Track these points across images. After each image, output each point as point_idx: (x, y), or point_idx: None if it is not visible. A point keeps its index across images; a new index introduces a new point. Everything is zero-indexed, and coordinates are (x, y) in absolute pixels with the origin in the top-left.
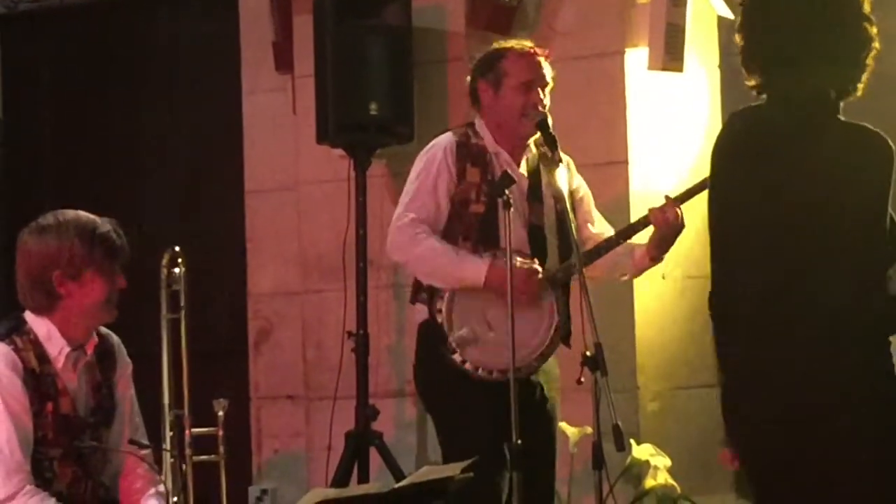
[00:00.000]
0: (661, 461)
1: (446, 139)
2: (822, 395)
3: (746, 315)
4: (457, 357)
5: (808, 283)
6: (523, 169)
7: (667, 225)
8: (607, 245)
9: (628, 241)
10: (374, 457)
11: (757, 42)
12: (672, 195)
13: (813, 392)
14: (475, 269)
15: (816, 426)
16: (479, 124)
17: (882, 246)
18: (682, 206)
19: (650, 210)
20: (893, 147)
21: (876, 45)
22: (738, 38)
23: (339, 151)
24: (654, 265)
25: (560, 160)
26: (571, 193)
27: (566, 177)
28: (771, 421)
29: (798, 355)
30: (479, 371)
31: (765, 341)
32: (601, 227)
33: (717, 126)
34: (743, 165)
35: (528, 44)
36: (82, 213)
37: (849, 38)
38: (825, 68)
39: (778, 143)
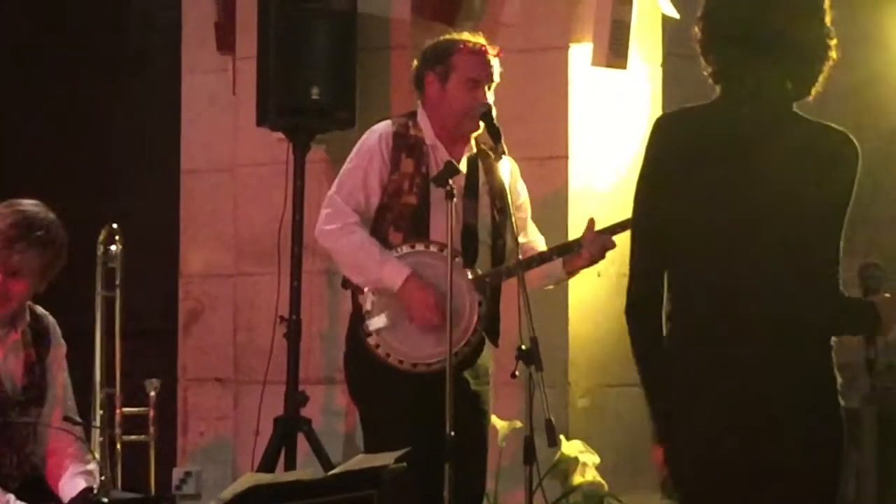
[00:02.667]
0: (590, 458)
1: (383, 127)
2: (770, 402)
3: (696, 317)
4: (371, 340)
5: (762, 283)
6: (462, 166)
7: (599, 252)
8: (540, 258)
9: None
10: (301, 443)
11: (718, 36)
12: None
13: (761, 397)
14: (394, 275)
15: (762, 431)
16: (421, 115)
17: (837, 245)
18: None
19: (584, 236)
20: (858, 146)
21: (833, 54)
22: (697, 29)
23: (278, 135)
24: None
25: (503, 152)
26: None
27: (509, 173)
28: (715, 427)
29: (747, 358)
30: (391, 359)
31: (713, 344)
32: (532, 237)
33: None
34: (691, 165)
35: (479, 40)
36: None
37: (810, 41)
38: (784, 67)
39: (733, 139)
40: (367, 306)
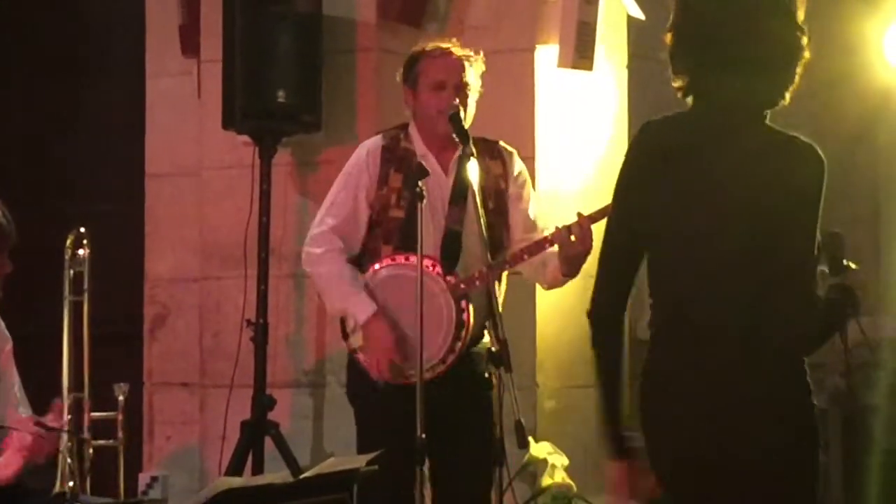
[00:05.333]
0: (559, 459)
1: (373, 142)
2: (743, 408)
3: (668, 324)
4: (358, 356)
5: (728, 289)
6: (451, 172)
7: (570, 246)
8: (512, 260)
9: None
10: (268, 447)
11: (687, 45)
12: (576, 210)
13: (733, 404)
14: (359, 310)
15: (737, 439)
16: (412, 127)
17: (809, 253)
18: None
19: (555, 228)
20: (824, 159)
21: (806, 53)
22: (667, 37)
23: (244, 138)
24: (568, 280)
25: (471, 154)
26: (503, 192)
27: (478, 173)
28: (691, 435)
29: (717, 365)
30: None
31: (684, 350)
32: (531, 234)
33: (623, 126)
34: (665, 167)
35: (445, 44)
36: None
37: (779, 46)
38: (755, 75)
39: (703, 145)
40: (351, 324)
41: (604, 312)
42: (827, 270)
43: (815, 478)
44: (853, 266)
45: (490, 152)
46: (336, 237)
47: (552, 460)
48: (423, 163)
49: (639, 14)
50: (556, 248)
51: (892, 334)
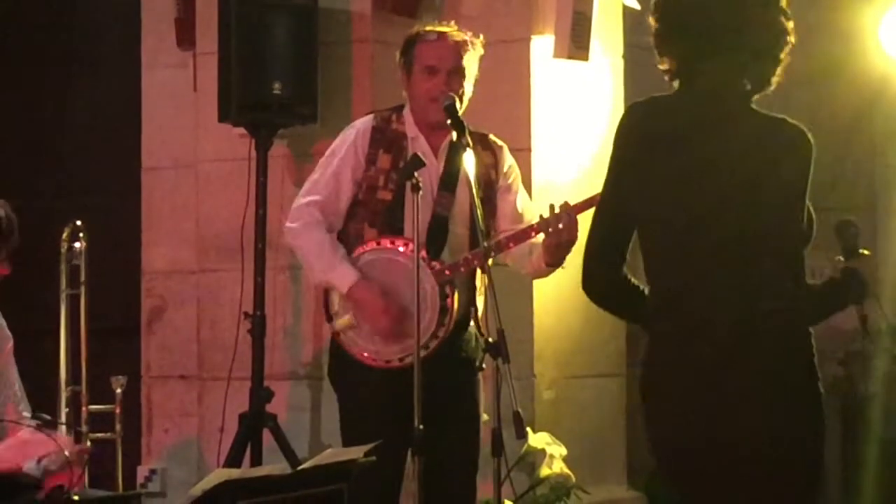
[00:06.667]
0: (557, 450)
1: (363, 122)
2: (737, 402)
3: (661, 308)
4: (342, 339)
5: (724, 274)
6: (441, 157)
7: (555, 234)
8: (497, 247)
9: (526, 240)
10: (267, 439)
11: (672, 31)
12: (571, 202)
13: (729, 398)
14: (342, 279)
15: (732, 438)
16: (406, 108)
17: (799, 237)
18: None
19: (540, 218)
20: (812, 140)
21: (791, 38)
22: (651, 20)
23: (240, 130)
24: (552, 271)
25: (468, 145)
26: (492, 183)
27: (473, 163)
28: (684, 422)
29: (711, 352)
30: (364, 357)
31: (676, 337)
32: (518, 223)
33: (619, 116)
34: (655, 154)
35: (442, 28)
36: None
37: (764, 32)
38: (740, 62)
39: (693, 133)
40: (335, 307)
41: (599, 286)
42: (843, 259)
43: (816, 464)
44: (866, 252)
45: (481, 142)
46: (314, 210)
47: (550, 451)
48: (413, 145)
49: (634, 4)
50: (541, 237)
51: (889, 323)
